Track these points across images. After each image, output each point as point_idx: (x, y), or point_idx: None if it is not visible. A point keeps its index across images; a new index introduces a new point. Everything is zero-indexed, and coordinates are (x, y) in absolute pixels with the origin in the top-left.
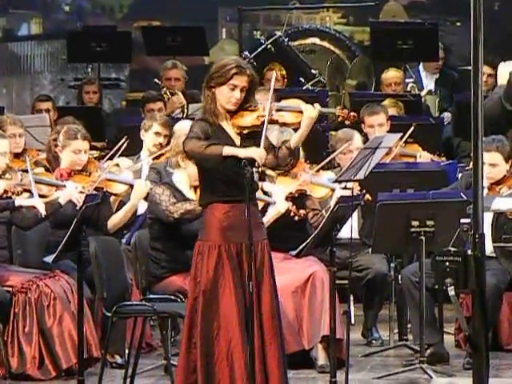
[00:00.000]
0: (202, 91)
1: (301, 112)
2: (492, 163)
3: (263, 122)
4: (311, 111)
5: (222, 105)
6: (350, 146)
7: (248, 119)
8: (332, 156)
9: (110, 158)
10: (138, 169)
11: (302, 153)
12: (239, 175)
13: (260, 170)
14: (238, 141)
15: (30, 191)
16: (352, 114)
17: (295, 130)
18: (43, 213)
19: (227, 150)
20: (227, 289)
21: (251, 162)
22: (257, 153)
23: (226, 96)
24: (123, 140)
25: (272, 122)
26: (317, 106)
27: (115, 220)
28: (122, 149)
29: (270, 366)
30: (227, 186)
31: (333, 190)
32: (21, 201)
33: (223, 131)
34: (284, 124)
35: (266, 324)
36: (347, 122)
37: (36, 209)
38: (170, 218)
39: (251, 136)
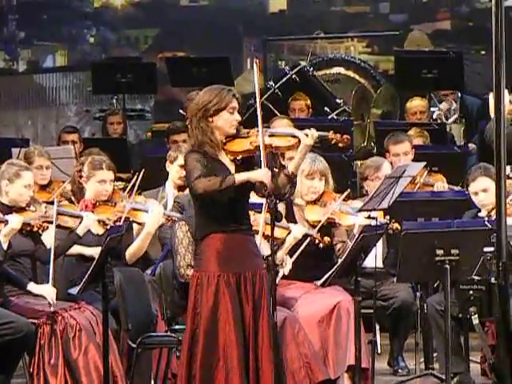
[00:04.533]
0: (195, 125)
1: (293, 136)
2: (483, 189)
3: (256, 147)
4: (308, 139)
5: (224, 130)
6: (379, 174)
7: (241, 145)
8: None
9: (130, 191)
10: (164, 201)
11: (332, 183)
12: (235, 206)
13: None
14: (232, 168)
15: (52, 223)
16: (345, 136)
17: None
18: (51, 302)
19: (239, 178)
20: (226, 319)
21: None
22: (263, 173)
23: (228, 120)
24: (141, 173)
25: (265, 146)
26: (313, 131)
27: (132, 250)
28: (138, 181)
29: None
30: (224, 218)
31: None
32: (32, 286)
33: (218, 161)
34: (277, 148)
35: (262, 354)
36: (341, 145)
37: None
38: (180, 278)
39: (245, 162)
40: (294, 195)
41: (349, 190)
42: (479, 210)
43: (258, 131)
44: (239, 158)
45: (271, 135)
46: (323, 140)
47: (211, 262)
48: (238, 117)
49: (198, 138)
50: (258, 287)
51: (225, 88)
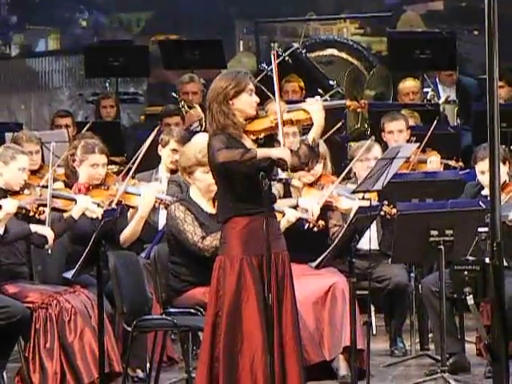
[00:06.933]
0: (217, 109)
1: (304, 110)
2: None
3: (278, 124)
4: (315, 105)
5: (244, 112)
6: (368, 155)
7: (262, 123)
8: (351, 164)
9: (125, 174)
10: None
11: (330, 166)
12: (257, 188)
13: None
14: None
15: (46, 205)
16: (362, 101)
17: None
18: (51, 243)
19: (261, 153)
20: (250, 301)
21: (282, 164)
22: (283, 151)
23: (248, 101)
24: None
25: (286, 122)
26: (317, 98)
27: (126, 233)
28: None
29: (289, 377)
30: (246, 200)
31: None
32: (35, 227)
33: (241, 143)
34: (298, 121)
35: (286, 336)
36: (359, 110)
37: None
38: (201, 254)
39: (267, 142)
40: (292, 176)
41: (343, 173)
42: (482, 187)
43: (275, 109)
44: (261, 136)
45: (289, 111)
46: (341, 108)
47: (234, 245)
48: (256, 98)
49: (220, 121)
50: (281, 268)
51: (240, 71)
